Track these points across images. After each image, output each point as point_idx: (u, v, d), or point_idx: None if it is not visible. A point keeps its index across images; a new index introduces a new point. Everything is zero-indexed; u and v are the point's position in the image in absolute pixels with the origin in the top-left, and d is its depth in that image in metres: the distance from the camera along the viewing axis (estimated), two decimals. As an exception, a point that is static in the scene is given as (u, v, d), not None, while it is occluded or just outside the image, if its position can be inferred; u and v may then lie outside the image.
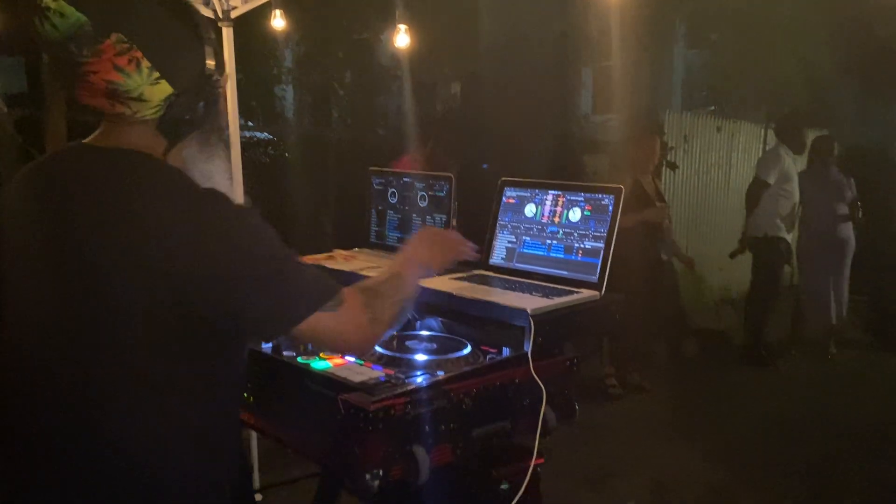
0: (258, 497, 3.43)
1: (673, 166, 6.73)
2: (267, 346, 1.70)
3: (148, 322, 1.19)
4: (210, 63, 1.30)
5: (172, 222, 1.20)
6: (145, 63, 1.21)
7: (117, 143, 1.28)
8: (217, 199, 1.26)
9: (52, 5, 1.17)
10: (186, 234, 1.19)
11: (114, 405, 1.21)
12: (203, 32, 1.31)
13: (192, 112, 1.29)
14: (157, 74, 1.22)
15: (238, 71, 3.40)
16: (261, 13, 3.37)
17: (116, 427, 1.22)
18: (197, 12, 1.33)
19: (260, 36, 6.87)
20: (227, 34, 3.17)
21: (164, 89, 1.24)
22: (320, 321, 1.29)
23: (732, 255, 6.13)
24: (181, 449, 1.26)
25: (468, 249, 1.75)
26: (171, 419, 1.24)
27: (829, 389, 5.36)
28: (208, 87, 1.31)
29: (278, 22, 2.90)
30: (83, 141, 1.32)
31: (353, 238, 2.56)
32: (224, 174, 1.39)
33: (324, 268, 1.90)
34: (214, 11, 3.11)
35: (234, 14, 3.14)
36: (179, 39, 1.27)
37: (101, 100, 1.23)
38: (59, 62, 1.21)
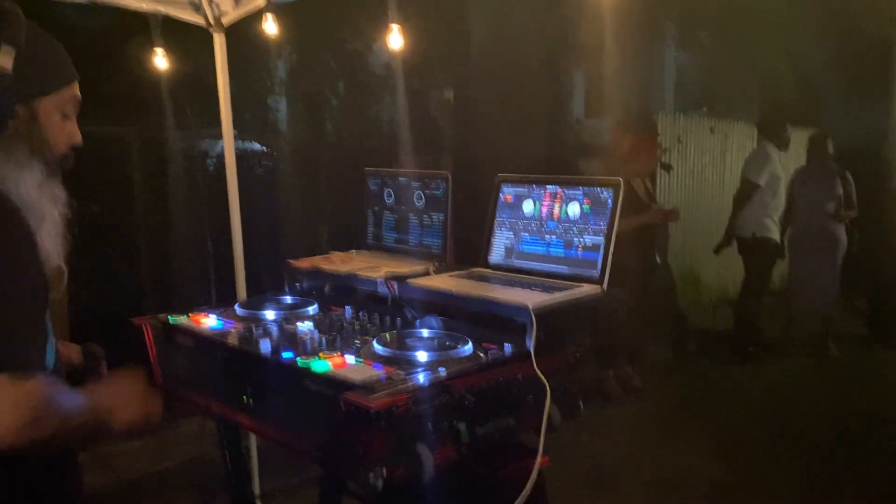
0: (259, 506, 3.40)
1: (667, 167, 6.74)
2: (265, 347, 1.67)
3: None
4: (5, 62, 1.21)
5: None
6: None
7: None
8: None
9: None
10: None
11: None
12: (6, 31, 1.23)
13: None
14: None
15: (230, 83, 3.40)
16: (252, 25, 3.36)
17: None
18: (4, 12, 1.25)
19: (252, 48, 6.86)
20: (219, 41, 3.16)
21: None
22: None
23: (717, 250, 6.12)
24: None
25: (157, 415, 1.53)
26: None
27: (829, 387, 5.36)
28: None
29: (270, 27, 2.88)
30: None
31: (350, 241, 2.54)
32: (35, 189, 1.30)
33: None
34: (205, 18, 3.09)
35: (225, 20, 3.13)
36: None
37: None
38: None
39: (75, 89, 1.37)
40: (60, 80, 1.34)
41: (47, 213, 1.33)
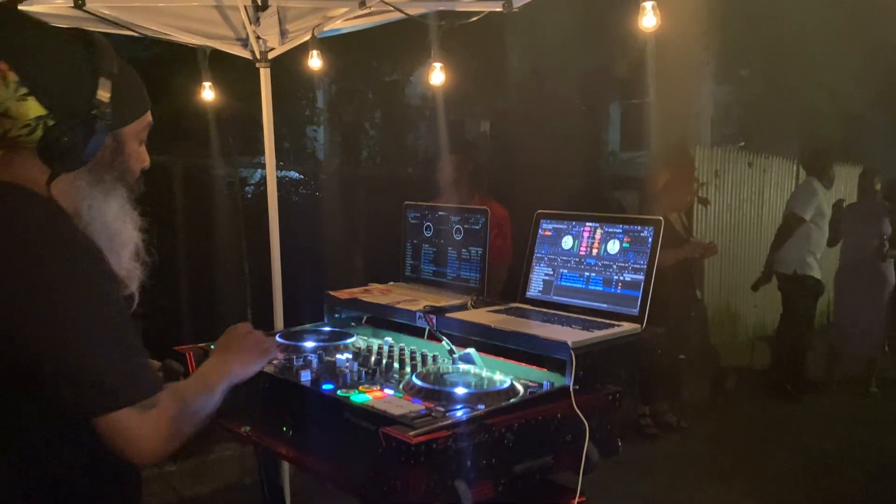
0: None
1: (704, 202, 6.68)
2: (306, 378, 1.69)
3: None
4: (103, 95, 1.25)
5: (4, 266, 1.17)
6: (12, 76, 1.17)
7: (2, 175, 1.25)
8: (66, 252, 1.20)
9: None
10: (14, 282, 1.16)
11: None
12: (101, 64, 1.27)
13: (70, 139, 1.23)
14: (24, 90, 1.18)
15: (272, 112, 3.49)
16: (293, 57, 3.44)
17: None
18: (100, 44, 1.29)
19: (292, 78, 7.00)
20: (265, 75, 3.24)
21: (33, 108, 1.20)
22: (124, 419, 1.19)
23: (755, 287, 6.02)
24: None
25: (275, 349, 1.68)
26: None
27: (871, 427, 5.20)
28: (93, 119, 1.25)
29: (315, 62, 2.95)
30: None
31: (384, 272, 2.57)
32: (121, 217, 1.33)
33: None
34: (252, 53, 3.18)
35: (271, 55, 3.21)
36: (61, 62, 1.24)
37: None
38: None
39: (150, 116, 1.42)
40: (141, 108, 1.38)
41: (129, 238, 1.36)
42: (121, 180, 1.35)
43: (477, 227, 2.27)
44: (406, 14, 2.82)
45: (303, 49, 3.08)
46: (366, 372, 1.74)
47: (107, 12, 2.80)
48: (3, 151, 1.27)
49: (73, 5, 2.60)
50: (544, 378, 1.71)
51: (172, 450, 1.27)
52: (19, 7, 2.40)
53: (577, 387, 1.61)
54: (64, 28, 1.32)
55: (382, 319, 2.23)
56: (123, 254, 1.36)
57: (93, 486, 1.30)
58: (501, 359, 1.86)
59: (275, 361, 1.77)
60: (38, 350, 1.17)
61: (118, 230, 1.33)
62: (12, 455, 1.23)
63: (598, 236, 1.99)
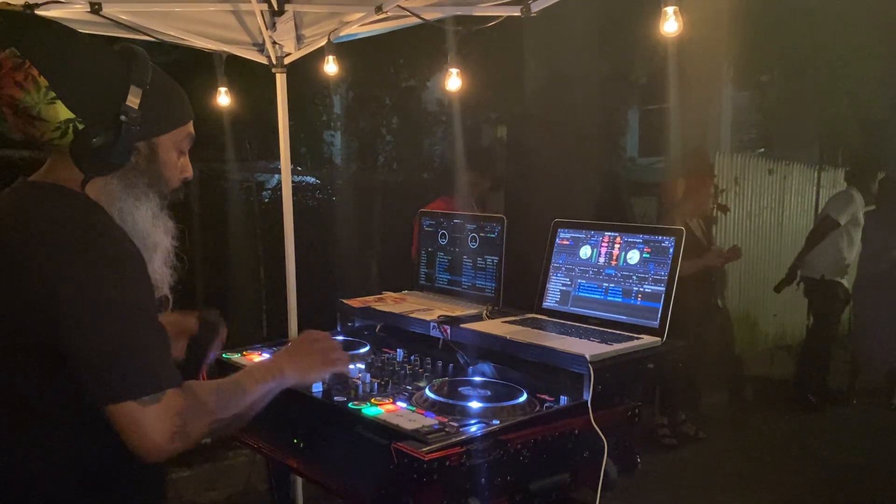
0: (302, 545, 3.37)
1: (724, 209, 6.59)
2: (317, 390, 1.66)
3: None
4: (132, 102, 1.29)
5: (37, 253, 1.21)
6: (42, 81, 1.22)
7: (46, 177, 1.32)
8: (96, 240, 1.25)
9: None
10: (62, 268, 1.21)
11: None
12: (132, 72, 1.31)
13: (99, 142, 1.27)
14: (52, 94, 1.23)
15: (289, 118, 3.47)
16: (310, 62, 3.42)
17: None
18: (139, 54, 1.33)
19: (309, 83, 7.01)
20: (281, 80, 3.23)
21: (61, 110, 1.24)
22: (128, 412, 1.21)
23: (778, 288, 5.89)
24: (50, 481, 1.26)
25: (344, 363, 1.56)
26: (36, 452, 1.25)
27: (893, 439, 5.09)
28: (121, 124, 1.28)
29: (331, 67, 2.93)
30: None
31: (399, 280, 2.53)
32: (153, 222, 1.37)
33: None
34: (269, 58, 3.17)
35: (287, 60, 3.19)
36: (87, 68, 1.28)
37: (11, 116, 1.25)
38: None
39: (191, 127, 1.45)
40: (179, 119, 1.41)
41: (160, 243, 1.40)
42: (153, 187, 1.38)
43: (493, 236, 2.24)
44: (423, 19, 2.79)
45: (319, 54, 3.06)
46: (378, 383, 1.71)
47: (123, 17, 2.80)
48: (50, 157, 1.33)
49: (89, 10, 2.60)
50: (562, 392, 1.67)
51: (180, 447, 1.25)
52: (36, 12, 2.40)
53: (596, 402, 1.57)
54: (96, 37, 1.36)
55: (396, 329, 2.20)
56: (155, 258, 1.39)
57: (116, 479, 1.33)
58: (517, 371, 1.82)
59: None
60: (69, 332, 1.21)
61: (149, 234, 1.36)
62: (40, 439, 1.26)
63: (617, 246, 1.95)
